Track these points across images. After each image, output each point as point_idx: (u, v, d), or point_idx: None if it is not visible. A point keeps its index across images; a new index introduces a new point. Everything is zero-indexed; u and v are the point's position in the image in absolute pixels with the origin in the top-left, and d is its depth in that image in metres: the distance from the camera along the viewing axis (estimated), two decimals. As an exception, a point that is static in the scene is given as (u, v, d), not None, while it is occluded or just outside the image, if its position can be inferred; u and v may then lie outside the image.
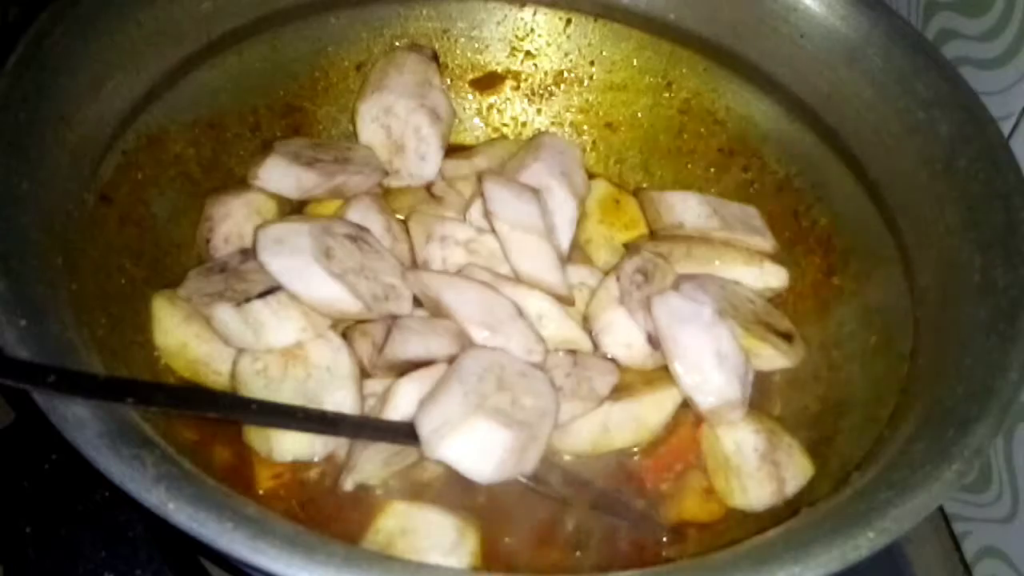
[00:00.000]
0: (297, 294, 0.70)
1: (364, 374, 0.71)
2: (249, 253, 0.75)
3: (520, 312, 0.71)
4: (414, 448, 0.68)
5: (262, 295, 0.69)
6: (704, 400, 0.71)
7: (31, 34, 0.67)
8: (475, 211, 0.82)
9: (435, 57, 0.88)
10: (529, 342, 0.71)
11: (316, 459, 0.69)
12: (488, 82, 0.95)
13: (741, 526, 0.71)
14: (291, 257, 0.70)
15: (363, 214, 0.79)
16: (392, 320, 0.71)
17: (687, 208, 0.82)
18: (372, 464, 0.67)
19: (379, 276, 0.73)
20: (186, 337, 0.71)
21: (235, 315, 0.69)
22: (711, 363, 0.71)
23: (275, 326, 0.70)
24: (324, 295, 0.70)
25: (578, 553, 0.69)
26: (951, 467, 0.54)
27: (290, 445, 0.68)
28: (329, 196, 0.82)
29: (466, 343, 0.71)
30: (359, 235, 0.75)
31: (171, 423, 0.65)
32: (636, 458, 0.74)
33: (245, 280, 0.72)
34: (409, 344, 0.69)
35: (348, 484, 0.67)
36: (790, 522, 0.55)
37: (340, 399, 0.69)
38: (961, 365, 0.61)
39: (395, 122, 0.85)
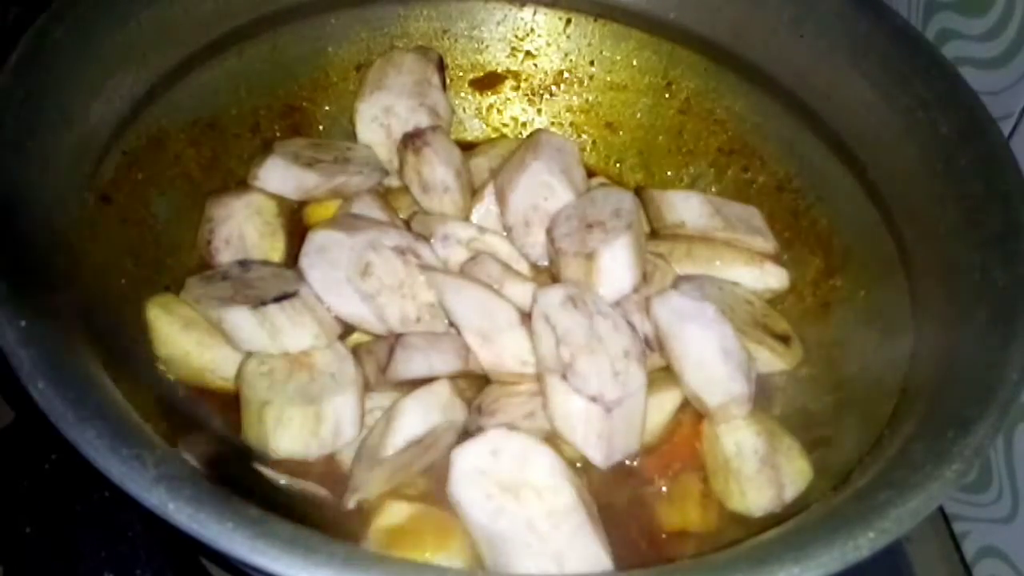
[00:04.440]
0: (328, 305, 0.73)
1: (368, 387, 0.72)
2: (248, 264, 0.75)
3: (521, 319, 0.71)
4: (415, 465, 0.68)
5: (278, 299, 0.70)
6: (711, 397, 0.71)
7: (32, 34, 0.67)
8: (477, 211, 0.82)
9: (441, 62, 0.89)
10: (523, 353, 0.71)
11: (311, 458, 0.69)
12: (488, 82, 0.95)
13: (741, 528, 0.70)
14: (327, 270, 0.72)
15: (366, 213, 0.79)
16: (396, 338, 0.71)
17: (689, 207, 0.82)
18: (376, 484, 0.67)
19: (419, 295, 0.74)
20: (188, 346, 0.71)
21: (250, 317, 0.70)
22: (716, 359, 0.71)
23: (290, 330, 0.71)
24: (350, 313, 0.73)
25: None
26: (951, 467, 0.53)
27: (287, 444, 0.68)
28: (330, 196, 0.82)
29: (469, 356, 0.71)
30: (410, 247, 0.75)
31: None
32: (635, 459, 0.73)
33: (253, 287, 0.72)
34: (412, 363, 0.70)
35: (351, 503, 0.67)
36: (790, 522, 0.55)
37: (340, 403, 0.69)
38: (961, 365, 0.61)
39: (395, 121, 0.85)
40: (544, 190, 0.80)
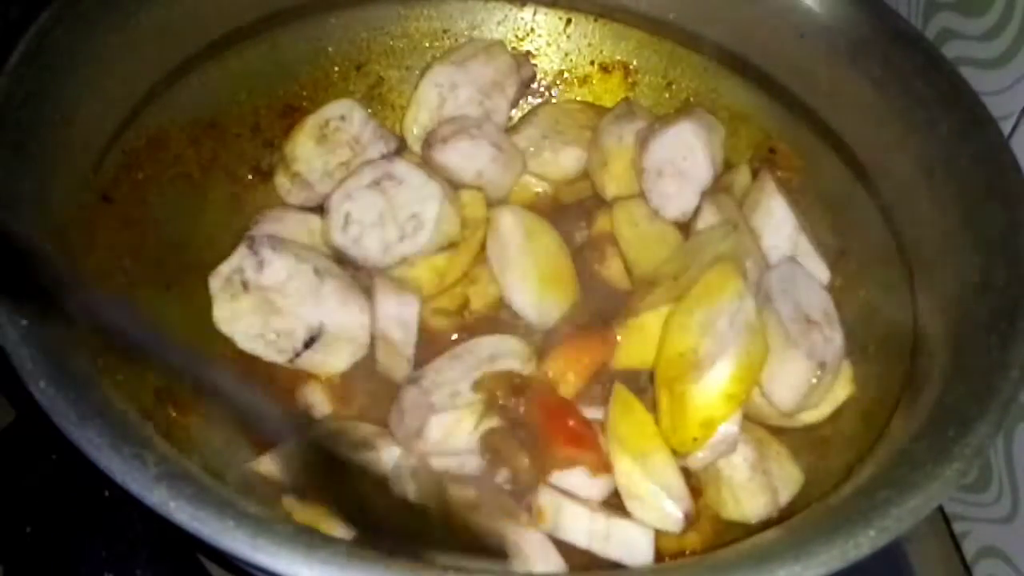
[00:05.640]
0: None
1: None
2: (258, 250, 0.74)
3: None
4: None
5: (308, 344, 0.74)
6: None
7: (32, 33, 0.67)
8: None
9: (529, 81, 0.91)
10: None
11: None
12: (489, 82, 0.95)
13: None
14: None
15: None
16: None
17: (778, 231, 0.80)
18: None
19: (399, 213, 0.77)
20: None
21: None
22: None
23: (330, 362, 0.75)
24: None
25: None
26: (952, 466, 0.54)
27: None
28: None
29: None
30: (385, 174, 0.78)
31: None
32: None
33: (280, 313, 0.74)
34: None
35: None
36: (791, 521, 0.55)
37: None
38: (961, 364, 0.61)
39: (451, 100, 0.86)
40: (685, 150, 0.81)
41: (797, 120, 0.83)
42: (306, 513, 0.65)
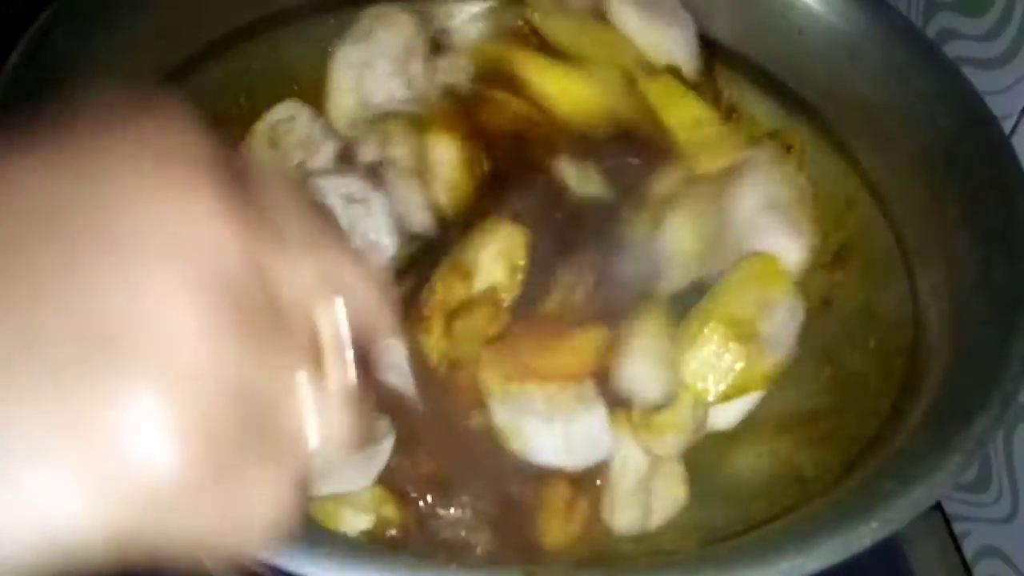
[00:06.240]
0: None
1: None
2: None
3: None
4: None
5: None
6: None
7: (32, 34, 0.67)
8: None
9: (440, 32, 0.88)
10: None
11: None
12: (488, 82, 0.95)
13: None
14: None
15: None
16: None
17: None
18: None
19: (361, 233, 0.75)
20: None
21: None
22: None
23: None
24: None
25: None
26: (953, 458, 0.54)
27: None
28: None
29: None
30: (346, 196, 0.76)
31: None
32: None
33: None
34: None
35: None
36: (793, 515, 0.55)
37: None
38: (962, 359, 0.61)
39: (370, 78, 0.83)
40: None
41: (797, 117, 0.83)
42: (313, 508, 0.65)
